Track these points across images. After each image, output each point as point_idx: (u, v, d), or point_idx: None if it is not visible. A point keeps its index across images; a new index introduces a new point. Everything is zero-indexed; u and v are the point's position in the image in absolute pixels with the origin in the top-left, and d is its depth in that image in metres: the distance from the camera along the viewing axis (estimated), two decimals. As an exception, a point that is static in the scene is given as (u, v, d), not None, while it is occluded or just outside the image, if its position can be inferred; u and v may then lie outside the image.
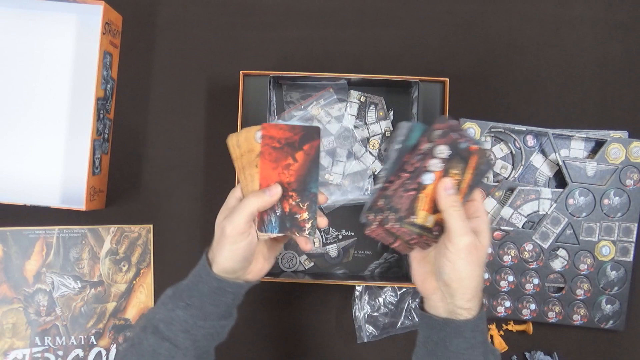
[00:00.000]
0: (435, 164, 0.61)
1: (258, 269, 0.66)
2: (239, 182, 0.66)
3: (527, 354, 0.86)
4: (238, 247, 0.61)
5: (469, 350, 0.58)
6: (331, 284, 0.83)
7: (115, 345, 0.86)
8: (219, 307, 0.62)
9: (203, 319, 0.61)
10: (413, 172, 0.61)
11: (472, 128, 0.83)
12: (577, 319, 0.84)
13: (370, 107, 0.86)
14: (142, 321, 0.63)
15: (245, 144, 0.64)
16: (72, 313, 0.86)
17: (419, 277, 0.64)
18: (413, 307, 0.86)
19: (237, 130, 0.79)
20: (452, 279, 0.58)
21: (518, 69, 0.89)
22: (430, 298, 0.61)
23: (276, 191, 0.62)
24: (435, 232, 0.62)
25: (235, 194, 0.65)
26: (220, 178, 0.87)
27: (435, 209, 0.61)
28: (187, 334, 0.60)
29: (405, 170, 0.62)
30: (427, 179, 0.61)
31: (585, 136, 0.85)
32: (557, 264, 0.85)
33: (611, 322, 0.84)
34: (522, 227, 0.85)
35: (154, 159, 0.88)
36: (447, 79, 0.81)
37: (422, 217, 0.61)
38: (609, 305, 0.84)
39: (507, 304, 0.84)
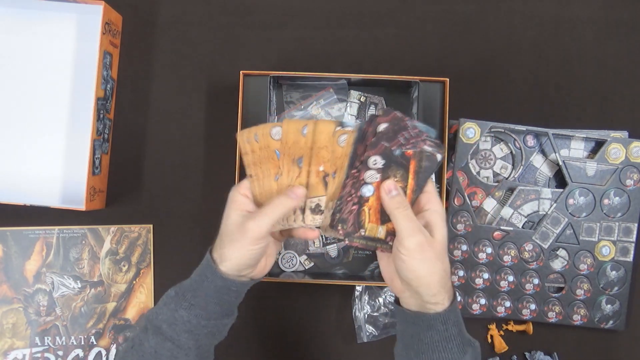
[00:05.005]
0: (371, 175, 0.61)
1: (262, 266, 0.66)
2: (250, 176, 0.65)
3: (527, 354, 0.86)
4: (258, 247, 0.61)
5: (443, 343, 0.58)
6: (331, 284, 0.83)
7: (115, 345, 0.86)
8: (222, 306, 0.62)
9: (206, 319, 0.61)
10: (353, 183, 0.61)
11: (472, 128, 0.83)
12: (577, 319, 0.84)
13: (370, 107, 0.86)
14: (143, 322, 0.63)
15: (262, 139, 0.64)
16: (72, 313, 0.86)
17: (387, 277, 0.64)
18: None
19: (237, 130, 0.80)
20: (411, 278, 0.58)
21: (518, 69, 0.89)
22: (401, 296, 0.62)
23: (300, 193, 0.62)
24: (390, 242, 0.61)
25: (239, 190, 0.64)
26: (220, 178, 0.87)
27: (383, 219, 0.61)
28: (190, 333, 0.60)
29: (352, 175, 0.61)
30: (367, 191, 0.61)
31: (585, 136, 0.85)
32: (557, 264, 0.85)
33: (611, 322, 0.84)
34: (522, 227, 0.85)
35: (154, 159, 0.88)
36: (447, 79, 0.81)
37: (372, 229, 0.61)
38: (609, 305, 0.84)
39: (507, 304, 0.84)
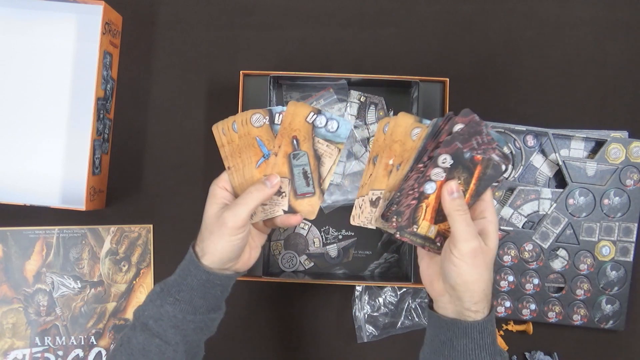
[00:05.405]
0: (437, 173, 0.60)
1: (246, 258, 0.66)
2: (228, 168, 0.66)
3: (527, 354, 0.86)
4: (237, 238, 0.61)
5: (476, 351, 0.58)
6: (331, 284, 0.83)
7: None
8: (207, 301, 0.62)
9: (192, 313, 0.61)
10: (418, 178, 0.61)
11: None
12: (577, 319, 0.84)
13: (370, 107, 0.86)
14: (131, 320, 0.63)
15: (242, 128, 0.64)
16: (72, 313, 0.86)
17: (427, 279, 0.63)
18: (413, 307, 0.86)
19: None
20: (458, 282, 0.57)
21: (518, 69, 0.89)
22: (438, 299, 0.61)
23: (276, 182, 0.63)
24: (438, 242, 0.61)
25: (219, 183, 0.65)
26: (220, 178, 0.87)
27: (437, 219, 0.61)
28: (176, 329, 0.60)
29: (418, 170, 0.61)
30: (429, 188, 0.61)
31: (585, 136, 0.85)
32: (557, 264, 0.85)
33: (611, 322, 0.84)
34: (522, 227, 0.85)
35: (154, 159, 0.88)
36: (447, 79, 0.81)
37: (424, 227, 0.61)
38: (609, 305, 0.84)
39: (507, 304, 0.84)
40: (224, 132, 0.65)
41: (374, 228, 0.64)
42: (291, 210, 0.66)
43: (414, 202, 0.61)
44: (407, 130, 0.62)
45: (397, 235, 0.62)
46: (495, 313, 0.84)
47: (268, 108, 0.64)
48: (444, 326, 0.60)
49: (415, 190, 0.61)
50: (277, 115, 0.64)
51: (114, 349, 0.63)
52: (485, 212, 0.61)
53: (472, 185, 0.61)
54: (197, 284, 0.61)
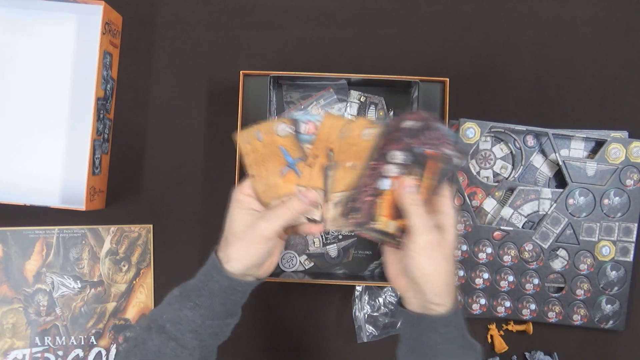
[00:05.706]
0: (391, 170, 0.61)
1: (267, 266, 0.66)
2: (252, 176, 0.65)
3: (527, 354, 0.86)
4: (266, 246, 0.61)
5: (444, 345, 0.58)
6: (331, 284, 0.83)
7: (115, 345, 0.86)
8: (226, 306, 0.62)
9: (211, 318, 0.61)
10: (372, 175, 0.61)
11: (472, 128, 0.83)
12: (577, 319, 0.84)
13: (370, 107, 0.86)
14: (146, 321, 0.63)
15: (266, 137, 0.64)
16: (72, 313, 0.86)
17: (392, 275, 0.64)
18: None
19: (236, 130, 0.80)
20: (417, 275, 0.58)
21: (518, 69, 0.89)
22: (405, 295, 0.62)
23: (312, 196, 0.63)
24: (399, 238, 0.61)
25: (242, 190, 0.65)
26: (220, 178, 0.87)
27: (396, 214, 0.61)
28: (194, 333, 0.61)
29: (372, 167, 0.61)
30: (385, 184, 0.61)
31: (585, 136, 0.85)
32: (557, 264, 0.85)
33: (611, 322, 0.84)
34: (522, 227, 0.85)
35: (154, 159, 0.88)
36: (447, 79, 0.81)
37: (383, 222, 0.61)
38: (609, 305, 0.84)
39: (507, 304, 0.84)
40: (248, 141, 0.65)
41: (346, 231, 0.64)
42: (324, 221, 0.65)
43: (370, 198, 0.61)
44: (361, 132, 0.63)
45: (357, 232, 0.62)
46: (495, 313, 0.84)
47: (293, 117, 0.64)
48: (412, 321, 0.61)
49: (371, 186, 0.61)
50: (302, 125, 0.64)
51: (126, 350, 0.63)
52: (443, 206, 0.61)
53: (427, 180, 0.61)
54: (219, 290, 0.61)
